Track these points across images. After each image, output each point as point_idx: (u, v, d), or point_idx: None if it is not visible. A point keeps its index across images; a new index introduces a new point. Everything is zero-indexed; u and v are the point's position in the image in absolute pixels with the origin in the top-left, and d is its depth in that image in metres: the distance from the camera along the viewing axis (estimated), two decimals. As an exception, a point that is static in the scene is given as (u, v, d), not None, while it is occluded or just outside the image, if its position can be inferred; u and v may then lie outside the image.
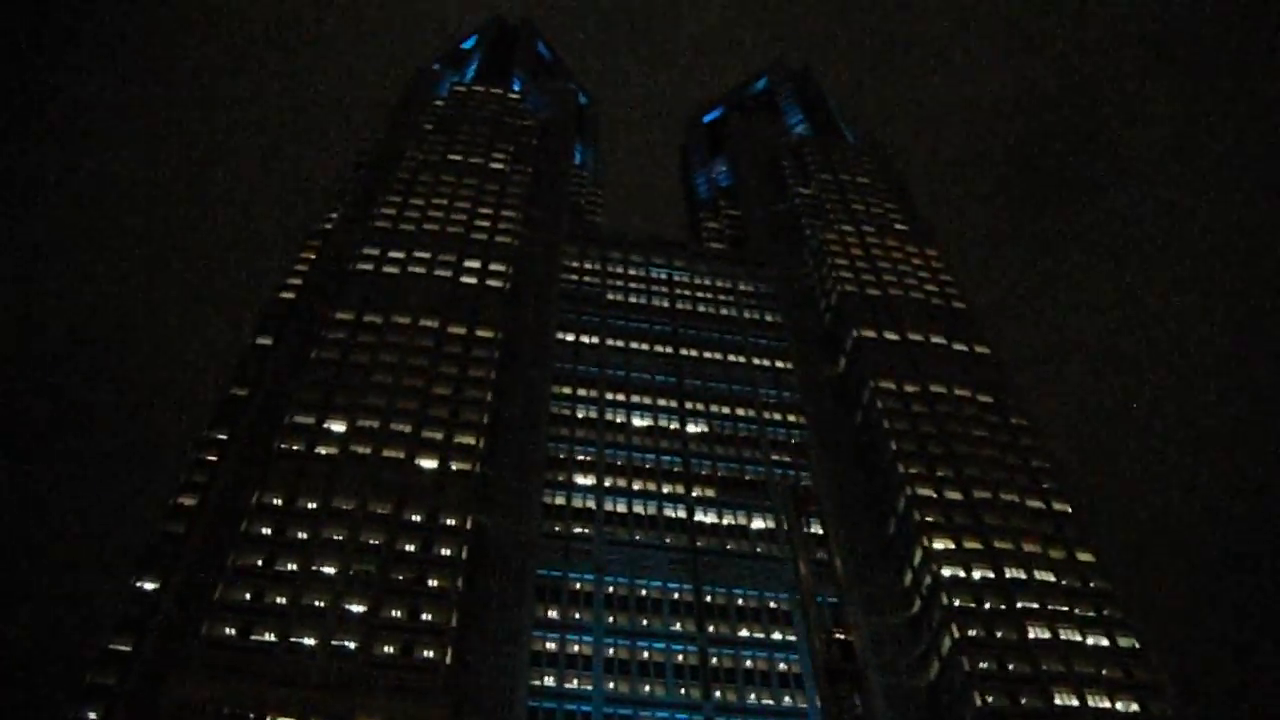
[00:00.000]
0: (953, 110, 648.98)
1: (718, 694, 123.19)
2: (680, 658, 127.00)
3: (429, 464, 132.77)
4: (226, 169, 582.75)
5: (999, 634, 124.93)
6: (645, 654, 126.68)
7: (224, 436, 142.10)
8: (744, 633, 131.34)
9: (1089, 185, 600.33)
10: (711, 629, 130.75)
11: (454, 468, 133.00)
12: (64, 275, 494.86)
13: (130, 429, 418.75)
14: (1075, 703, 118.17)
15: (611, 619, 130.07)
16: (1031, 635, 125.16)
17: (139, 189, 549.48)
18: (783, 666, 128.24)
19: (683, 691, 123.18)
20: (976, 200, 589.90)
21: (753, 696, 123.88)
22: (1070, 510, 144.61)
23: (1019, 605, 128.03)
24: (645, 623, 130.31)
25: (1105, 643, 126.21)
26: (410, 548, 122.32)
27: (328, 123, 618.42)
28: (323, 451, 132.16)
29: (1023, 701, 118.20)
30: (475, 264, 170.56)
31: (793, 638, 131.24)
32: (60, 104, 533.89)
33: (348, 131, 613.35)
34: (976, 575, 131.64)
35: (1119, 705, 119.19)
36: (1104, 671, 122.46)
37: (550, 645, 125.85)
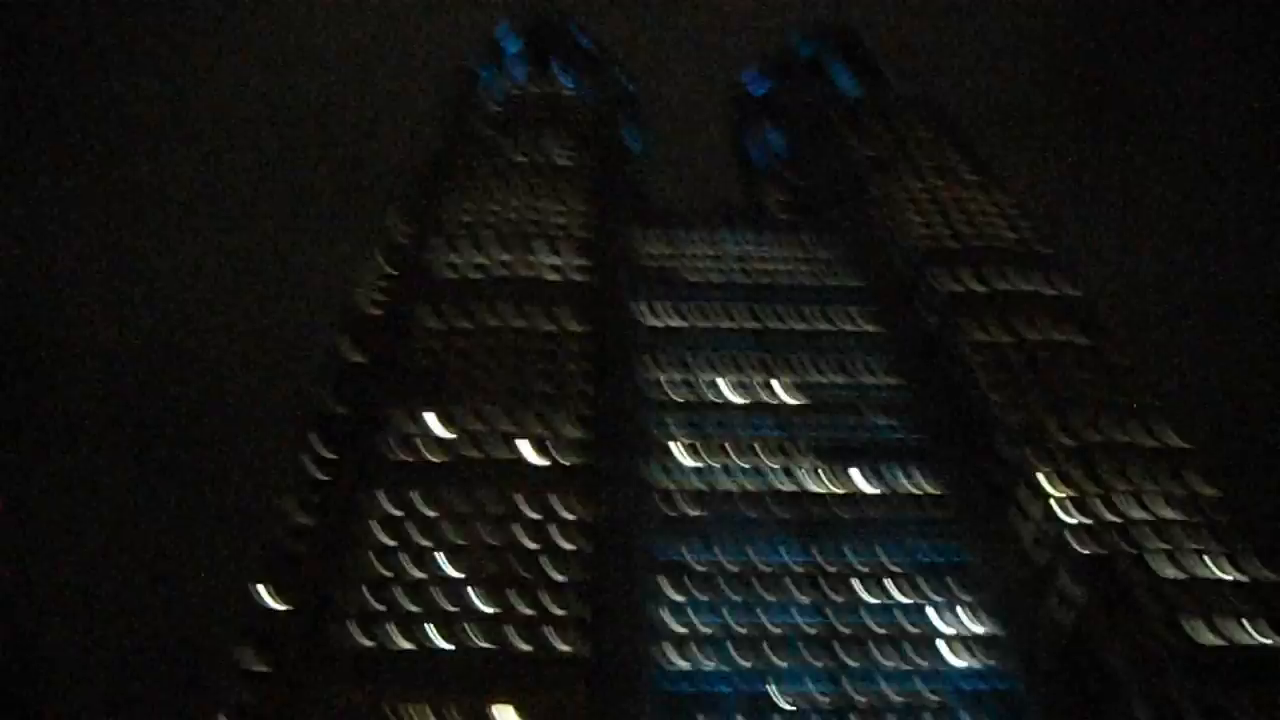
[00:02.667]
0: (1000, 52, 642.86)
1: (849, 661, 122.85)
2: (807, 628, 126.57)
3: (538, 460, 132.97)
4: (283, 192, 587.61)
5: (1132, 577, 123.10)
6: (771, 628, 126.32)
7: (331, 456, 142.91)
8: (866, 598, 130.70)
9: (1149, 112, 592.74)
10: (834, 596, 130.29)
11: (565, 461, 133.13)
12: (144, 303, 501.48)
13: (223, 450, 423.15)
14: (1218, 641, 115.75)
15: (733, 595, 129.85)
16: (1165, 575, 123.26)
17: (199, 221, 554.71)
18: (910, 628, 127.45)
19: (814, 662, 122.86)
20: (1036, 142, 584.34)
21: (884, 660, 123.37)
22: (1186, 446, 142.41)
23: (1148, 546, 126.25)
24: (768, 596, 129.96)
25: (1243, 578, 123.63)
26: (531, 544, 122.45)
27: (376, 135, 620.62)
28: (431, 458, 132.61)
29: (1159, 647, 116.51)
30: (554, 259, 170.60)
31: (916, 599, 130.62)
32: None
33: (398, 142, 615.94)
34: (1101, 520, 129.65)
35: (1262, 638, 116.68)
36: (1243, 606, 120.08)
37: (677, 627, 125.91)
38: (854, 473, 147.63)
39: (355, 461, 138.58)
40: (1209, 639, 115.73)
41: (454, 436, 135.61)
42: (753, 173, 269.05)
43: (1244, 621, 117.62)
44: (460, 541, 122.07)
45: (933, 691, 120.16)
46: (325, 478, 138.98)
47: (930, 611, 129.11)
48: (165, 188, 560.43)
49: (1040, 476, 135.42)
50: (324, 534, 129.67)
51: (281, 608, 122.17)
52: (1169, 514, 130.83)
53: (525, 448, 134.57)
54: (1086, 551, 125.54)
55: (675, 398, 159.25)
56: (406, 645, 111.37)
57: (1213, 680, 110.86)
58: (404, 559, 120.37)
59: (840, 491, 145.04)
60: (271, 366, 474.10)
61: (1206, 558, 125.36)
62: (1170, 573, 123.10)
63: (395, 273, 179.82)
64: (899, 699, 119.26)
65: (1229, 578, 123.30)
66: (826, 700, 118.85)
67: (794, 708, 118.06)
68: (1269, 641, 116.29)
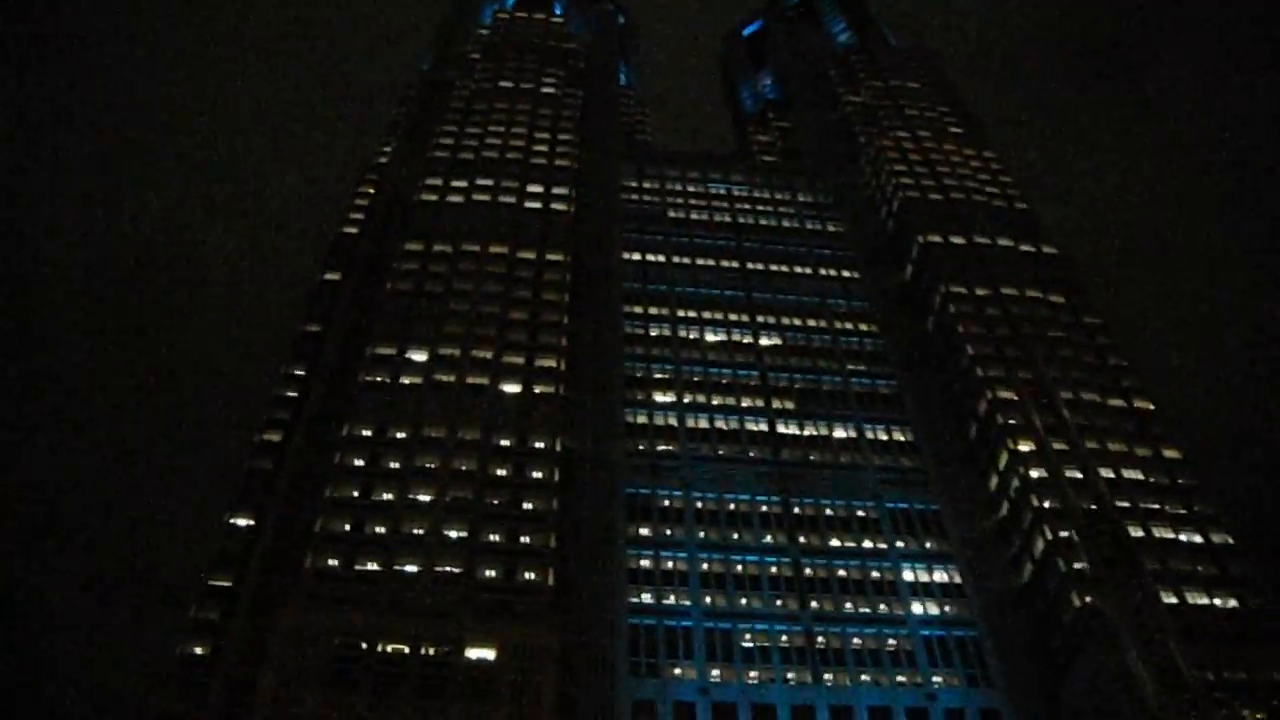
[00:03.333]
0: (996, 11, 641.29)
1: (815, 604, 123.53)
2: (774, 569, 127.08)
3: (512, 389, 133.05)
4: (273, 107, 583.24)
5: (1092, 534, 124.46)
6: (739, 567, 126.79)
7: (301, 372, 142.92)
8: (834, 543, 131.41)
9: (1139, 71, 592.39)
10: (802, 540, 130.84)
11: (537, 391, 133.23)
12: (128, 216, 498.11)
13: (204, 367, 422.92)
14: (1175, 600, 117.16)
15: (703, 534, 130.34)
16: (1128, 534, 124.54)
17: (189, 134, 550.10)
18: (875, 575, 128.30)
19: (779, 603, 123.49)
20: (1024, 98, 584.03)
21: (849, 605, 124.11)
22: (1153, 407, 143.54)
23: (1112, 504, 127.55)
24: (736, 536, 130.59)
25: (1199, 539, 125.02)
26: (502, 472, 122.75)
27: (367, 56, 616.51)
28: (406, 381, 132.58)
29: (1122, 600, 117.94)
30: (538, 189, 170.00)
31: (883, 546, 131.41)
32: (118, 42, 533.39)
33: (390, 64, 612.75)
34: (1065, 475, 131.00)
35: (1217, 601, 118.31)
36: (1199, 568, 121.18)
37: (645, 563, 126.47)
38: (827, 418, 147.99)
39: (327, 381, 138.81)
40: (1168, 599, 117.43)
41: (428, 360, 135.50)
42: (742, 116, 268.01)
43: (1200, 586, 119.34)
44: (431, 465, 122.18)
45: (894, 638, 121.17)
46: (292, 394, 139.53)
47: (896, 559, 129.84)
48: (152, 99, 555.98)
49: (1009, 430, 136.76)
50: (295, 454, 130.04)
51: (245, 522, 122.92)
52: (1134, 474, 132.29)
53: (499, 375, 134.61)
54: (1048, 505, 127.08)
55: (651, 333, 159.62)
56: (374, 568, 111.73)
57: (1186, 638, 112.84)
58: (376, 481, 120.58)
59: (813, 434, 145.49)
60: (248, 281, 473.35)
61: (1167, 519, 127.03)
62: (1134, 532, 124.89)
63: (372, 193, 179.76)
64: (861, 644, 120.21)
65: (1186, 539, 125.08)
66: (788, 641, 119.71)
67: (756, 646, 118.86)
68: (1228, 604, 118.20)
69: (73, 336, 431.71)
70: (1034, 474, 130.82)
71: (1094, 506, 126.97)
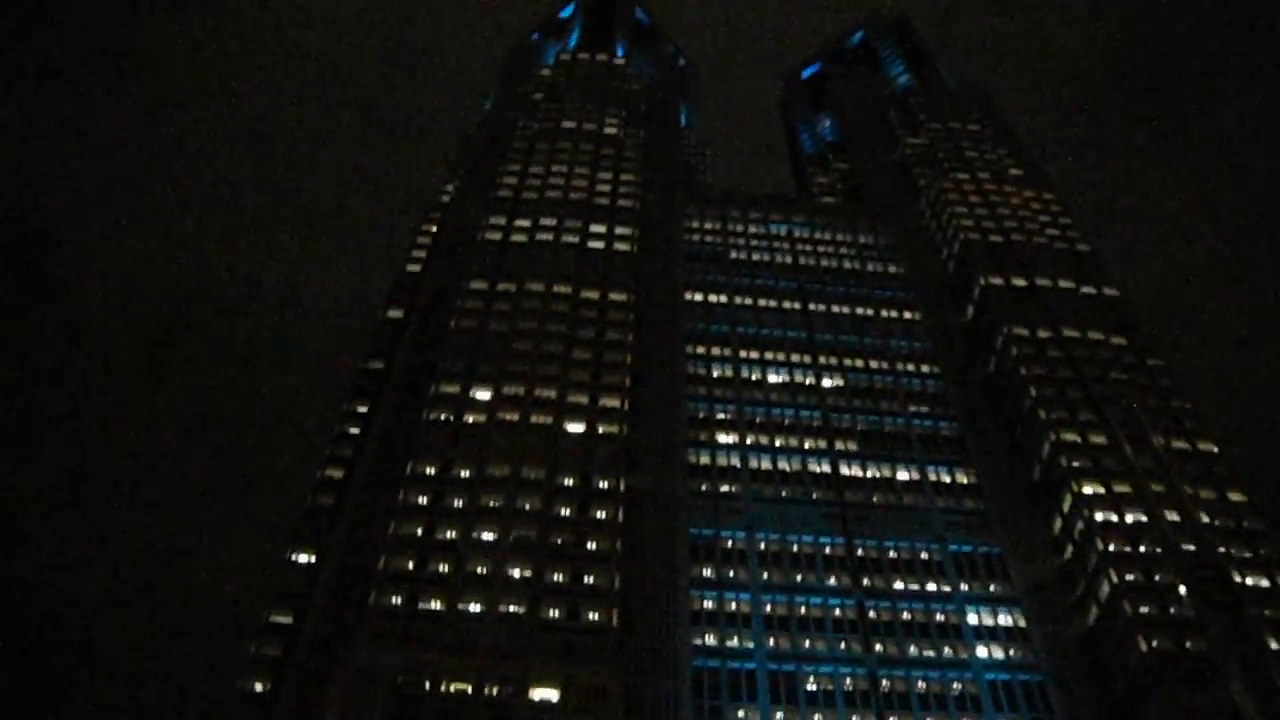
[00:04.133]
0: (1050, 48, 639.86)
1: (879, 647, 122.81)
2: (838, 612, 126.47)
3: (576, 428, 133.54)
4: (338, 146, 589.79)
5: (1158, 577, 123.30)
6: (803, 609, 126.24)
7: (364, 409, 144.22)
8: (899, 585, 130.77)
9: (1205, 107, 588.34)
10: (866, 582, 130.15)
11: (601, 430, 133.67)
12: (194, 255, 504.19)
13: (265, 406, 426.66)
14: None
15: (766, 575, 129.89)
16: (1196, 575, 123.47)
17: (252, 175, 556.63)
18: (939, 617, 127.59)
19: (843, 646, 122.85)
20: (1080, 141, 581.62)
21: (913, 648, 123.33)
22: (1216, 450, 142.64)
23: (1178, 548, 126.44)
24: (800, 578, 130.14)
25: (1265, 584, 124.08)
26: (566, 512, 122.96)
27: (429, 98, 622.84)
28: (470, 420, 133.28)
29: (1187, 645, 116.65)
30: (601, 228, 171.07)
31: (947, 589, 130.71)
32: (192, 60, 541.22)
33: (451, 104, 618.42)
34: (1129, 519, 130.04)
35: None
36: (1266, 612, 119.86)
37: (708, 604, 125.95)
38: (890, 459, 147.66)
39: (390, 418, 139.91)
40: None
41: (492, 399, 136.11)
42: (801, 157, 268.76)
43: (1270, 630, 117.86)
44: (495, 504, 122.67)
45: (959, 681, 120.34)
46: (354, 431, 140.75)
47: (960, 601, 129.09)
48: (220, 136, 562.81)
49: (1073, 473, 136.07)
50: (357, 491, 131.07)
51: (306, 559, 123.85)
52: (1199, 517, 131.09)
53: (563, 415, 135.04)
54: (1113, 548, 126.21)
55: (714, 373, 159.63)
56: (438, 606, 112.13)
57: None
58: (440, 520, 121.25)
59: (876, 476, 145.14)
60: (311, 319, 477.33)
61: (1234, 563, 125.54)
62: (1201, 574, 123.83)
63: (435, 232, 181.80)
64: (925, 687, 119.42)
65: (1252, 583, 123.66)
66: (852, 684, 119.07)
67: (820, 689, 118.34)
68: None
69: (138, 375, 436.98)
70: (1099, 517, 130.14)
71: (1159, 550, 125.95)
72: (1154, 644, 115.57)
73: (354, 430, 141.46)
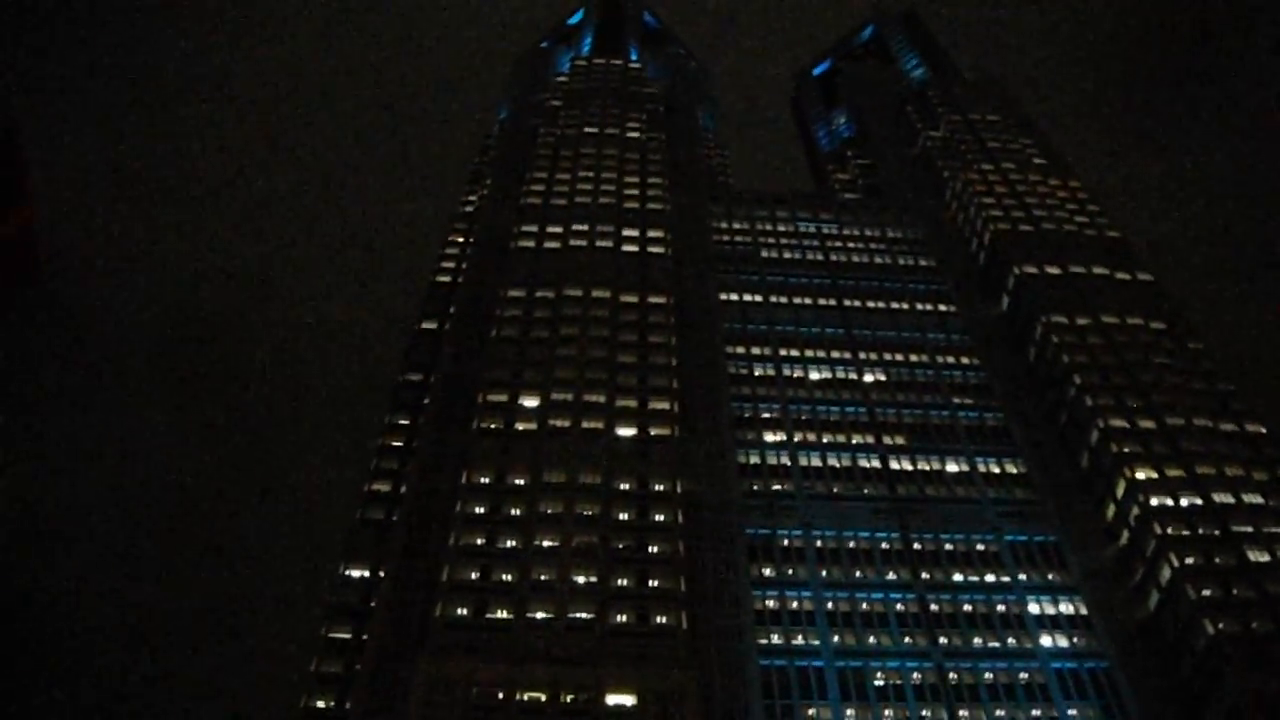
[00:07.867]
0: (1059, 33, 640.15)
1: (943, 640, 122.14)
2: (900, 606, 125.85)
3: (628, 432, 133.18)
4: (356, 154, 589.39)
5: (1218, 560, 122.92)
6: (865, 605, 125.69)
7: (405, 421, 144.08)
8: (957, 577, 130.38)
9: (1221, 98, 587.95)
10: (925, 576, 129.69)
11: (653, 433, 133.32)
12: (223, 270, 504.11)
13: (301, 420, 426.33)
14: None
15: (825, 572, 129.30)
16: (1251, 558, 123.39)
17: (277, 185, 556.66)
18: (1001, 608, 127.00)
19: (908, 640, 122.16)
20: (1099, 128, 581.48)
21: (978, 640, 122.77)
22: (1265, 431, 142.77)
23: (1233, 529, 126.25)
24: (859, 574, 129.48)
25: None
26: (625, 516, 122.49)
27: (440, 108, 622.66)
28: (521, 428, 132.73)
29: (1253, 626, 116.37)
30: (634, 232, 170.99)
31: (1006, 579, 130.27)
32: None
33: (463, 112, 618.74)
34: (1184, 502, 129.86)
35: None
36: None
37: (771, 603, 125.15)
38: (939, 452, 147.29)
39: (436, 429, 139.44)
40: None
41: (541, 405, 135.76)
42: (819, 154, 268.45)
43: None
44: (555, 511, 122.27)
45: (1026, 671, 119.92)
46: (397, 444, 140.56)
47: (1021, 591, 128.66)
48: (241, 153, 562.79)
49: (1125, 459, 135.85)
50: (409, 503, 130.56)
51: (358, 573, 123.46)
52: (1253, 498, 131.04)
53: (614, 419, 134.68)
54: (1171, 532, 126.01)
55: (755, 373, 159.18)
56: (506, 615, 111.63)
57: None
58: (501, 528, 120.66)
59: (926, 469, 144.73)
60: (343, 333, 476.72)
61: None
62: (1254, 557, 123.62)
63: (462, 242, 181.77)
64: (993, 678, 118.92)
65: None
66: (920, 678, 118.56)
67: (889, 684, 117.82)
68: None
69: (174, 393, 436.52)
70: (1154, 501, 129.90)
71: (1217, 532, 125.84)
72: (1220, 626, 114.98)
73: (397, 443, 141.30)
